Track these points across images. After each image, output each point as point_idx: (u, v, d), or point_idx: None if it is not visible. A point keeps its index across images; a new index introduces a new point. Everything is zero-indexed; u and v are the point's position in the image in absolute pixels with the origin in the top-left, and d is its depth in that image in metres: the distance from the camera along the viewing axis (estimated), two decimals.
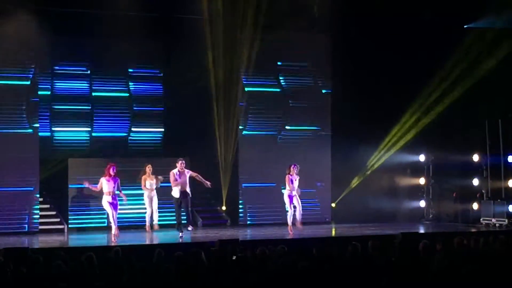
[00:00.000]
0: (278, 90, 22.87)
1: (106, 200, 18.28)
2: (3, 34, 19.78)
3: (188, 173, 18.88)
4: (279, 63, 22.87)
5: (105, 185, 18.29)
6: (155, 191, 20.09)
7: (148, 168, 19.99)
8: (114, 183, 18.33)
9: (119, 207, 18.49)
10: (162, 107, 22.78)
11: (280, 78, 22.89)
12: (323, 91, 23.15)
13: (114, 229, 18.20)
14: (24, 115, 20.31)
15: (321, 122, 23.14)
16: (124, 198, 18.64)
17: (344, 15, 21.54)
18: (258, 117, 22.70)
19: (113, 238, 18.06)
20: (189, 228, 18.88)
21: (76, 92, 21.93)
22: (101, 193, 18.52)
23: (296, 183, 19.63)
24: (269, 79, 22.85)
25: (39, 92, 20.78)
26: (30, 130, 20.33)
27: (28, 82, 20.35)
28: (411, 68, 21.92)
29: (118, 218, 18.42)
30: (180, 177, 18.78)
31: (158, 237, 19.36)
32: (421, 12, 21.59)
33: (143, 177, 20.00)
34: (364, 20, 21.66)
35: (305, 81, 23.17)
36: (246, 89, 22.39)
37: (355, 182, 23.39)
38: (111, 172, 18.29)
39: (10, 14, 19.58)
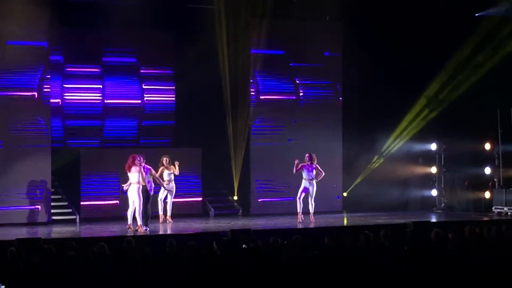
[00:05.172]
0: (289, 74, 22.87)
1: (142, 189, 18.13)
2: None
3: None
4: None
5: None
6: (173, 182, 20.05)
7: (165, 160, 19.90)
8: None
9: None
10: (173, 99, 22.84)
11: (291, 63, 22.82)
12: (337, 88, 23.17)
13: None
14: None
15: (333, 112, 23.17)
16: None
17: (355, 1, 21.55)
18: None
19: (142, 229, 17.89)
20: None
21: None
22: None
23: (312, 173, 19.70)
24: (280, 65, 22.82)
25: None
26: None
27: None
28: (423, 56, 21.86)
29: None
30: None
31: (171, 227, 19.37)
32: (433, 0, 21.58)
33: (161, 169, 19.88)
34: (375, 7, 21.65)
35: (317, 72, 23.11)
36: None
37: (366, 171, 23.36)
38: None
39: None
